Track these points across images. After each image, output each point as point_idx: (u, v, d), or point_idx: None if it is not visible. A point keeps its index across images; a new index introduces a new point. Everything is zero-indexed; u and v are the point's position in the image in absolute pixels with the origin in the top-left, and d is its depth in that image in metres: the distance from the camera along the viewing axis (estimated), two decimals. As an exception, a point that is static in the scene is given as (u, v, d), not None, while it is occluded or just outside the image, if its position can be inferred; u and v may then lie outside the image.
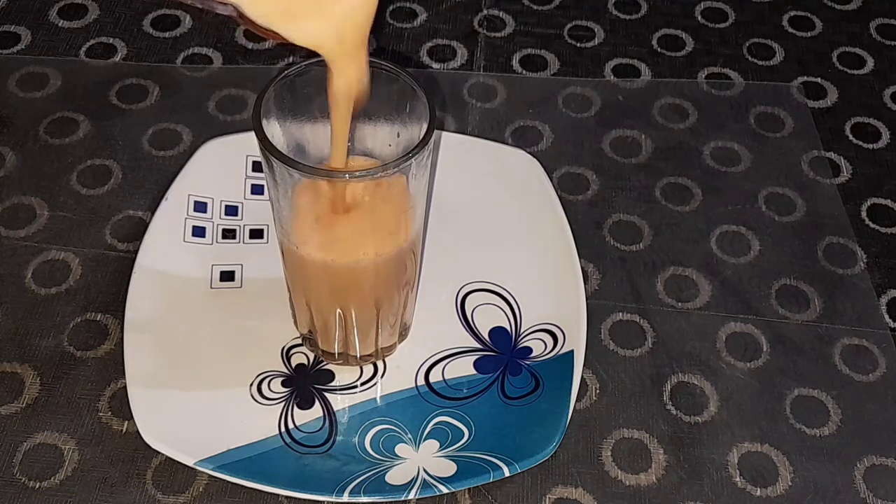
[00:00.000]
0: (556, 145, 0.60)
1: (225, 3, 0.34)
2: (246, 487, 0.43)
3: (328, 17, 0.36)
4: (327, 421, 0.46)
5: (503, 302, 0.51)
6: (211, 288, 0.50)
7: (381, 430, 0.46)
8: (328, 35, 0.37)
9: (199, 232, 0.52)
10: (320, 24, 0.36)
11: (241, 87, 0.62)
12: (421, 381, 0.48)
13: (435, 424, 0.46)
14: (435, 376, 0.48)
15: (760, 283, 0.53)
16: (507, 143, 0.59)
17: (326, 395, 0.47)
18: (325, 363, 0.48)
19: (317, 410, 0.46)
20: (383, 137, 0.44)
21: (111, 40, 0.65)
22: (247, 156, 0.55)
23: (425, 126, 0.41)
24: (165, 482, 0.44)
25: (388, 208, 0.42)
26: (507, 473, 0.43)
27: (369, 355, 0.48)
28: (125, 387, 0.45)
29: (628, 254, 0.54)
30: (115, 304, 0.50)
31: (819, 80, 0.65)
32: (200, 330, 0.48)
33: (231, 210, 0.54)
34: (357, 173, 0.39)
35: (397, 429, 0.46)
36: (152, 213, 0.52)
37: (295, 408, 0.46)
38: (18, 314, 0.50)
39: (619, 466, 0.46)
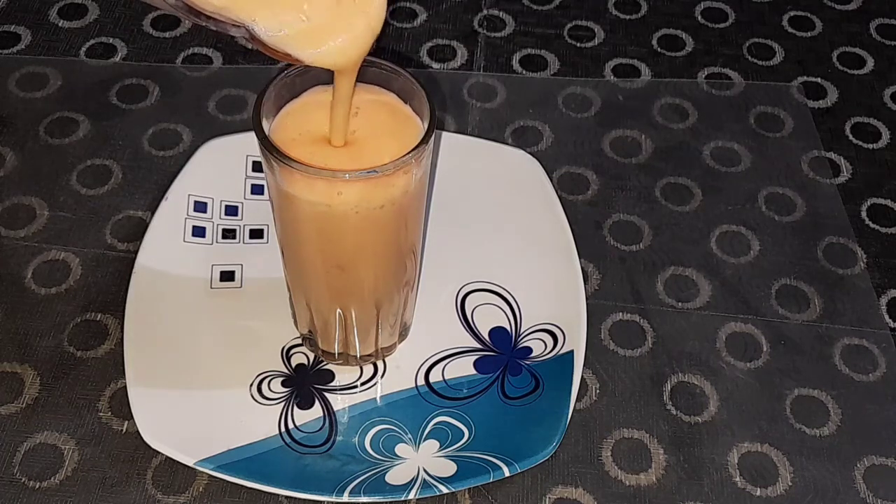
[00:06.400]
0: (556, 145, 0.60)
1: (237, 26, 0.35)
2: (246, 487, 0.43)
3: (343, 38, 0.37)
4: (327, 421, 0.46)
5: (503, 302, 0.51)
6: (211, 288, 0.50)
7: (381, 430, 0.46)
8: (341, 55, 0.37)
9: (199, 232, 0.52)
10: (334, 46, 0.37)
11: (241, 87, 0.62)
12: (421, 381, 0.48)
13: (435, 424, 0.46)
14: (435, 376, 0.48)
15: (760, 283, 0.53)
16: (507, 143, 0.59)
17: (326, 395, 0.47)
18: (325, 363, 0.48)
19: (317, 410, 0.46)
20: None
21: (111, 40, 0.65)
22: (247, 156, 0.55)
23: (425, 126, 0.41)
24: (165, 482, 0.44)
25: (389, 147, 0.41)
26: (507, 473, 0.43)
27: (369, 355, 0.48)
28: (125, 387, 0.45)
29: (628, 254, 0.54)
30: (115, 304, 0.50)
31: (819, 80, 0.65)
32: (200, 330, 0.48)
33: (231, 210, 0.54)
34: (357, 173, 0.39)
35: (397, 429, 0.46)
36: (152, 213, 0.52)
37: (295, 408, 0.46)
38: (18, 314, 0.50)
39: (619, 466, 0.46)
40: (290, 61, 0.37)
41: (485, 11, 0.68)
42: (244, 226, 0.53)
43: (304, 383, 0.47)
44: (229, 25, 0.35)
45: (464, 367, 0.48)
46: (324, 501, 0.42)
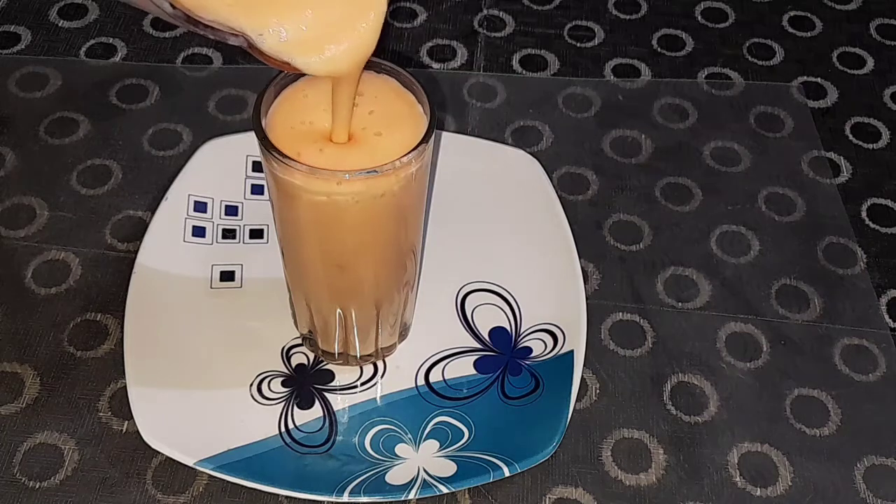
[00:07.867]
0: (556, 145, 0.60)
1: (236, 35, 0.35)
2: (246, 487, 0.43)
3: (342, 45, 0.37)
4: (327, 421, 0.46)
5: (503, 302, 0.51)
6: (211, 288, 0.50)
7: (381, 430, 0.46)
8: (341, 63, 0.37)
9: (199, 232, 0.52)
10: (334, 54, 0.37)
11: (241, 87, 0.62)
12: (421, 381, 0.48)
13: (435, 424, 0.46)
14: (435, 376, 0.48)
15: (760, 283, 0.53)
16: (507, 143, 0.59)
17: (326, 395, 0.47)
18: (325, 363, 0.48)
19: (317, 410, 0.46)
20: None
21: (111, 40, 0.65)
22: (247, 156, 0.55)
23: (425, 126, 0.41)
24: (165, 482, 0.44)
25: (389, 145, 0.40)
26: (507, 473, 0.43)
27: (369, 355, 0.48)
28: (125, 387, 0.45)
29: (628, 254, 0.54)
30: (115, 304, 0.50)
31: (819, 80, 0.65)
32: (200, 330, 0.48)
33: (231, 210, 0.54)
34: (357, 173, 0.39)
35: (397, 429, 0.46)
36: (152, 213, 0.52)
37: (295, 408, 0.46)
38: (18, 314, 0.50)
39: (619, 466, 0.46)
40: (288, 70, 0.37)
41: (485, 11, 0.68)
42: (244, 226, 0.53)
43: (304, 383, 0.47)
44: (228, 34, 0.35)
45: (464, 367, 0.48)
46: (324, 501, 0.42)
